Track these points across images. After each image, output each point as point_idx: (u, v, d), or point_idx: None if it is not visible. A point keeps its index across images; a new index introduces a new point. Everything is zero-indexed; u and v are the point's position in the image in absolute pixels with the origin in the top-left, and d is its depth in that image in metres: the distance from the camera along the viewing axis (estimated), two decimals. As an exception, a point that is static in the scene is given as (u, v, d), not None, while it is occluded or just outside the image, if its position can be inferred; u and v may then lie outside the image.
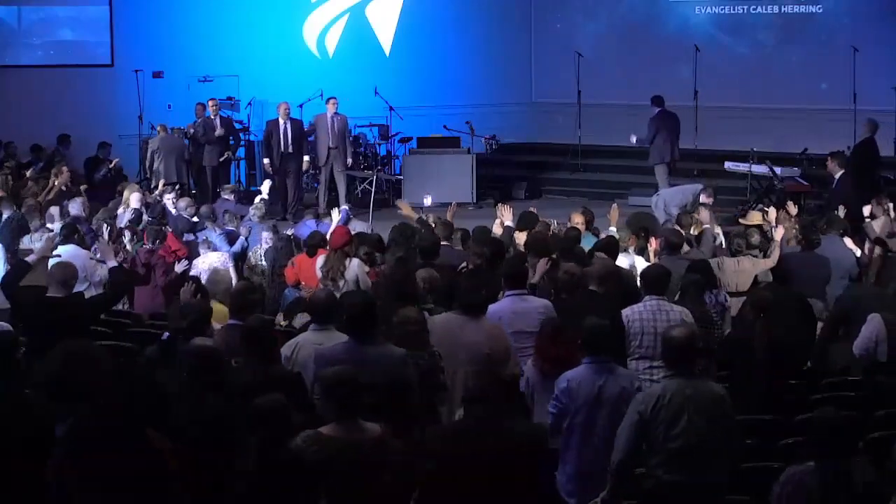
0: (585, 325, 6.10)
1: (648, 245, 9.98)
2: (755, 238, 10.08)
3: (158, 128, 15.74)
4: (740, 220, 11.81)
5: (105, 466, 4.43)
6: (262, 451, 4.78)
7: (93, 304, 8.17)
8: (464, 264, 8.81)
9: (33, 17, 18.06)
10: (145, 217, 11.70)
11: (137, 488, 4.45)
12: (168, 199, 12.53)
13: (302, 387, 5.94)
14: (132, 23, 17.36)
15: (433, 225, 10.35)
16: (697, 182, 14.56)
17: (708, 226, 10.65)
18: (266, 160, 16.09)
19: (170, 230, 11.12)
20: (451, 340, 6.54)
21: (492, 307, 7.32)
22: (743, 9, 18.36)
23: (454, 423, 5.33)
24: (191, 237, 11.42)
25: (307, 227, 11.54)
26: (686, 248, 9.94)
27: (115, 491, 4.43)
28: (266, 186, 14.16)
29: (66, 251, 9.39)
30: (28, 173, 14.45)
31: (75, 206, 11.79)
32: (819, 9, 17.85)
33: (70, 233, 9.94)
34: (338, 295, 7.41)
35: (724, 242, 10.75)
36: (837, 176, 13.27)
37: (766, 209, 11.73)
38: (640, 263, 9.49)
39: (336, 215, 11.62)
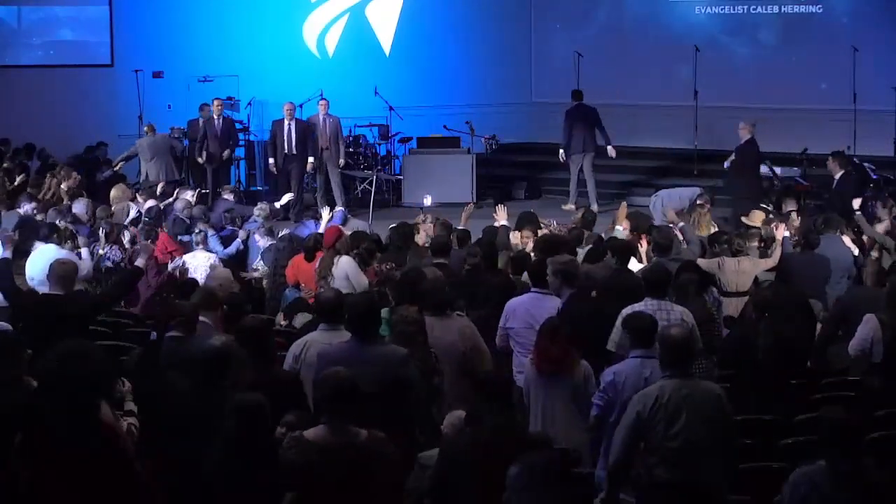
0: (631, 320, 6.19)
1: (640, 245, 9.95)
2: (755, 238, 10.08)
3: (146, 128, 15.69)
4: (742, 219, 11.81)
5: (59, 449, 4.43)
6: (233, 445, 4.80)
7: (94, 303, 8.17)
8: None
9: (33, 17, 18.08)
10: (144, 218, 11.70)
11: (92, 469, 4.44)
12: (188, 196, 12.55)
13: (299, 387, 5.95)
14: (132, 23, 17.38)
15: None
16: (696, 185, 14.58)
17: (683, 223, 10.61)
18: (271, 160, 16.06)
19: (163, 231, 11.17)
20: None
21: (511, 300, 7.51)
22: (743, 9, 18.34)
23: (469, 436, 5.27)
24: (187, 238, 11.42)
25: (307, 227, 11.55)
26: (684, 246, 9.95)
27: (70, 472, 4.42)
28: (285, 199, 14.10)
29: (46, 250, 9.39)
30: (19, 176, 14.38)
31: (79, 207, 11.75)
32: (819, 9, 17.84)
33: (49, 232, 9.92)
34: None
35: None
36: (837, 176, 13.27)
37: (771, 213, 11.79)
38: (633, 264, 9.46)
39: (326, 214, 11.62)
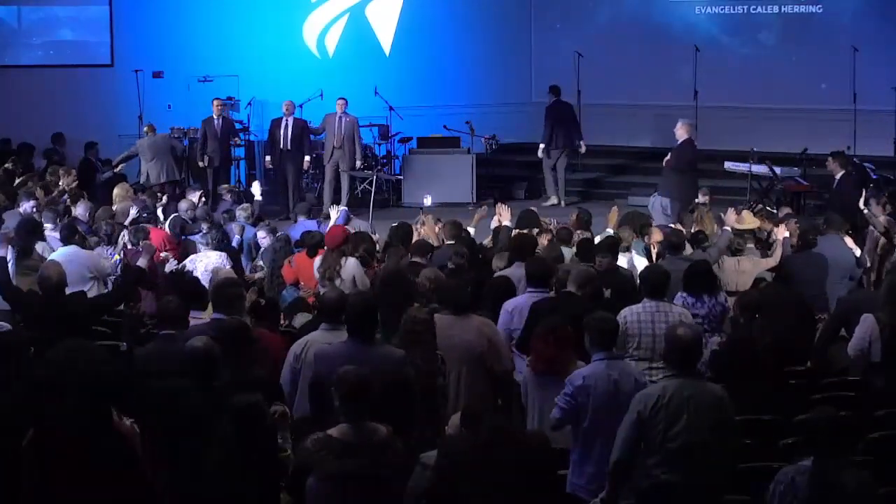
0: (594, 322, 6.14)
1: (652, 245, 9.96)
2: (755, 238, 10.07)
3: (146, 128, 15.68)
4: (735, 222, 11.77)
5: (72, 451, 4.44)
6: (233, 446, 4.81)
7: (95, 304, 8.16)
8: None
9: (33, 17, 18.07)
10: (142, 214, 11.69)
11: (105, 472, 4.45)
12: (194, 197, 12.54)
13: (275, 389, 6.00)
14: (132, 23, 17.37)
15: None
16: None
17: (728, 227, 10.55)
18: (267, 157, 16.26)
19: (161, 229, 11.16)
20: (443, 342, 6.55)
21: (510, 301, 7.44)
22: (743, 9, 18.35)
23: (468, 436, 5.29)
24: (190, 238, 11.40)
25: (302, 226, 11.54)
26: (689, 248, 9.95)
27: (84, 476, 4.43)
28: (256, 188, 13.99)
29: (65, 252, 9.36)
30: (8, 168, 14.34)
31: (81, 209, 11.74)
32: (819, 9, 17.84)
33: (70, 233, 9.90)
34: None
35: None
36: (838, 176, 13.26)
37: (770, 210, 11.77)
38: (641, 262, 9.48)
39: (334, 214, 11.62)
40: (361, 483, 4.92)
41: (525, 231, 10.28)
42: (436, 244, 9.96)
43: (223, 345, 5.95)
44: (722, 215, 11.05)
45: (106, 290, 9.15)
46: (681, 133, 14.24)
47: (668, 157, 14.24)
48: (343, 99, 16.08)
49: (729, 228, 10.30)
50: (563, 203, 16.38)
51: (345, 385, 5.10)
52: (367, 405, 5.07)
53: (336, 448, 4.90)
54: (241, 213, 11.99)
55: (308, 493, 4.89)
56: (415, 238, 10.22)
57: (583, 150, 17.00)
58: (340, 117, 16.00)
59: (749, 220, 11.23)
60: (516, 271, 8.27)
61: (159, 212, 12.31)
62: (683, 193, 13.53)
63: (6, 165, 14.37)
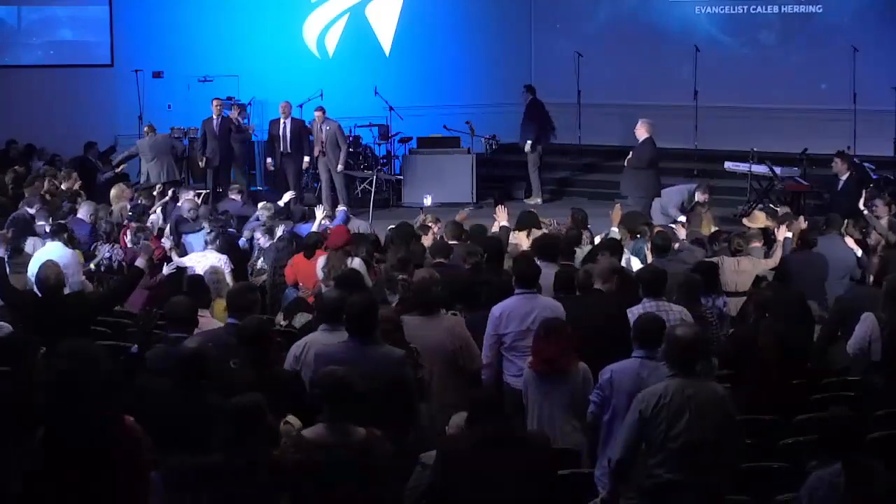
0: (639, 320, 6.18)
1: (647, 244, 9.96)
2: (755, 238, 10.07)
3: (146, 128, 15.68)
4: (745, 221, 11.80)
5: (78, 452, 4.44)
6: (234, 446, 4.81)
7: (94, 304, 8.15)
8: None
9: (33, 17, 18.08)
10: (128, 213, 11.68)
11: (110, 473, 4.44)
12: (189, 196, 12.56)
13: (300, 388, 5.95)
14: (132, 23, 17.38)
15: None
16: (693, 181, 14.61)
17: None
18: (268, 160, 16.31)
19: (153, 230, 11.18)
20: (415, 342, 6.54)
21: (498, 305, 7.35)
22: (743, 9, 18.36)
23: (468, 436, 5.28)
24: (191, 237, 11.40)
25: (307, 226, 11.55)
26: (689, 246, 9.95)
27: (89, 476, 4.42)
28: (287, 197, 14.01)
29: (48, 249, 9.37)
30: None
31: (84, 210, 11.72)
32: (819, 9, 17.85)
33: (58, 230, 9.89)
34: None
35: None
36: (844, 177, 13.24)
37: (774, 209, 11.82)
38: (636, 264, 9.47)
39: (320, 213, 11.63)
40: (337, 484, 4.88)
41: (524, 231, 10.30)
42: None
43: (245, 346, 5.96)
44: (744, 219, 11.08)
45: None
46: (641, 132, 14.34)
47: (630, 156, 14.30)
48: (320, 109, 16.08)
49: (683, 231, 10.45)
50: (540, 200, 16.88)
51: (323, 385, 5.06)
52: (347, 406, 4.97)
53: (304, 447, 4.87)
54: (265, 212, 11.92)
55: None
56: (426, 240, 10.20)
57: (527, 149, 17.20)
58: (321, 126, 15.98)
59: (761, 220, 11.28)
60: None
61: (158, 211, 12.30)
62: (644, 192, 13.64)
63: (15, 168, 14.39)
